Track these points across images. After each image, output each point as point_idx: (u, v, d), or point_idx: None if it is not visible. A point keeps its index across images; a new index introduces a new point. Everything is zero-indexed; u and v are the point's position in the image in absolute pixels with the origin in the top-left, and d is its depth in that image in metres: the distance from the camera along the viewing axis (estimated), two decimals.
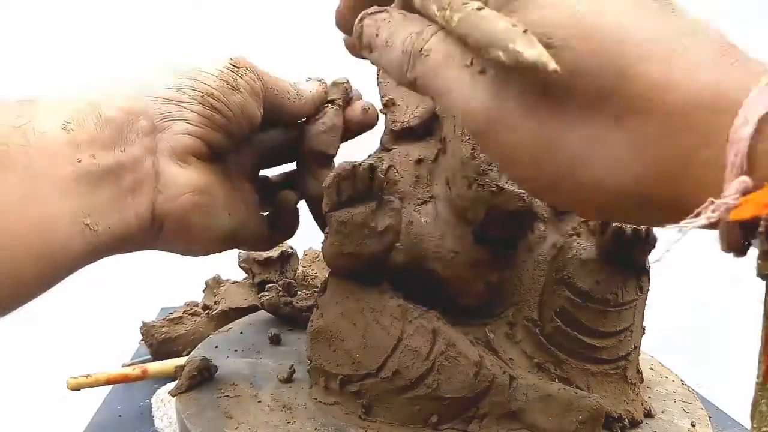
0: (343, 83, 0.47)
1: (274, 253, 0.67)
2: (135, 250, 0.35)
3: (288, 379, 0.43)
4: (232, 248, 0.41)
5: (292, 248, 0.69)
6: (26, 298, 0.29)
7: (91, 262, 0.32)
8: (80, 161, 0.29)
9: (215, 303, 0.68)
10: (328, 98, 0.45)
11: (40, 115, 0.30)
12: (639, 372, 0.43)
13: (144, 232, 0.33)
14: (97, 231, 0.30)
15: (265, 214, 0.45)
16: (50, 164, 0.29)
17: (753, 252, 0.20)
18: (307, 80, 0.45)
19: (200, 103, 0.35)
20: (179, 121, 0.34)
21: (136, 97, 0.33)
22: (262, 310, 0.57)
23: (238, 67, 0.37)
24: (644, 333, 0.43)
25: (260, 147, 0.43)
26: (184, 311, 0.68)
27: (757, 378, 0.21)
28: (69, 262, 0.30)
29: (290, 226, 0.46)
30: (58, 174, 0.29)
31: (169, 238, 0.36)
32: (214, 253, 0.40)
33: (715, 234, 0.20)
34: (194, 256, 0.39)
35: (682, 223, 0.19)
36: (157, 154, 0.34)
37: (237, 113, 0.37)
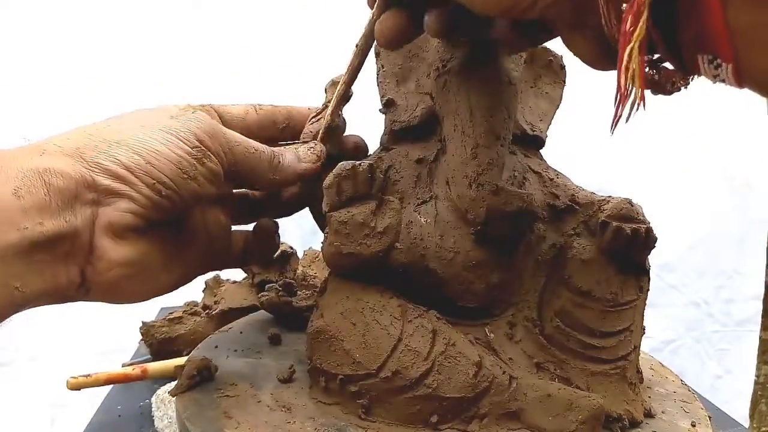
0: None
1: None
2: (63, 302, 0.36)
3: (288, 379, 0.43)
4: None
5: (292, 248, 0.69)
6: None
7: (15, 313, 0.33)
8: (26, 228, 0.30)
9: (215, 303, 0.68)
10: (327, 98, 0.45)
11: None
12: (639, 372, 0.43)
13: (72, 293, 0.35)
14: (25, 293, 0.31)
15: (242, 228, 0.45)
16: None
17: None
18: (308, 147, 0.43)
19: (150, 189, 0.34)
20: (125, 199, 0.34)
21: (88, 169, 0.33)
22: (262, 310, 0.57)
23: (201, 153, 0.36)
24: (644, 333, 0.43)
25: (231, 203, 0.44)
26: (184, 311, 0.68)
27: (757, 378, 0.21)
28: None
29: (266, 253, 0.46)
30: (2, 240, 0.30)
31: (97, 299, 0.37)
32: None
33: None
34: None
35: None
36: (95, 226, 0.34)
37: (187, 199, 0.36)
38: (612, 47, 0.23)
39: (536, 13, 0.26)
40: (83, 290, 0.35)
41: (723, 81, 0.21)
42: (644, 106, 0.23)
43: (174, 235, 0.39)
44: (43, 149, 0.33)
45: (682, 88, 0.25)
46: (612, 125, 0.25)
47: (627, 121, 0.24)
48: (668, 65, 0.24)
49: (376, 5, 0.37)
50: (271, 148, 0.41)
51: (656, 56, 0.24)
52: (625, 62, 0.22)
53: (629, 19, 0.21)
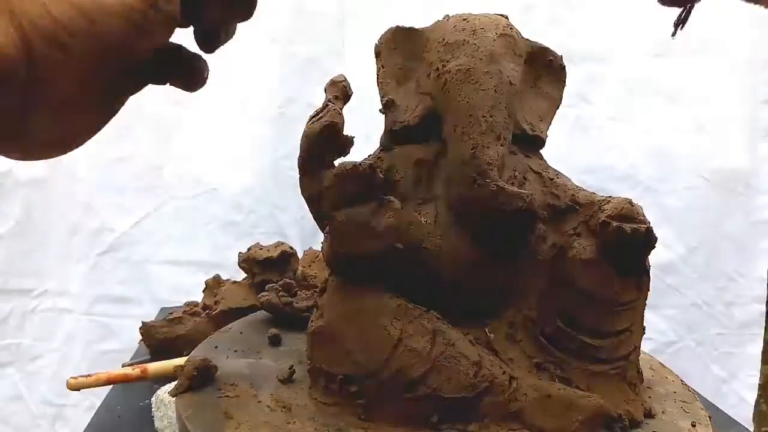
0: (341, 81, 0.47)
1: (274, 253, 0.67)
2: None
3: (288, 379, 0.43)
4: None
5: (291, 248, 0.69)
6: None
7: None
8: None
9: (215, 303, 0.68)
10: (327, 97, 0.45)
11: None
12: (639, 372, 0.43)
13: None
14: None
15: None
16: None
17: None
18: None
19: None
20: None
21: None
22: (262, 310, 0.57)
23: None
24: (644, 333, 0.43)
25: None
26: (184, 311, 0.68)
27: (760, 380, 0.21)
28: None
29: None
30: None
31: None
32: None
33: None
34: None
35: None
36: None
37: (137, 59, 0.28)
38: None
39: None
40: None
41: None
42: None
43: None
44: None
45: None
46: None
47: None
48: None
49: None
50: None
51: None
52: None
53: None
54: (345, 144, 0.46)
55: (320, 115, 0.46)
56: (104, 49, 0.27)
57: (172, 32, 0.30)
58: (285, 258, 0.66)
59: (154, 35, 0.28)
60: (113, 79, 0.29)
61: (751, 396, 0.24)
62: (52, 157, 0.30)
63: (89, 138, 0.30)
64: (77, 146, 0.30)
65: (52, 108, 0.27)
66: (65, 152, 0.30)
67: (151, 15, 0.28)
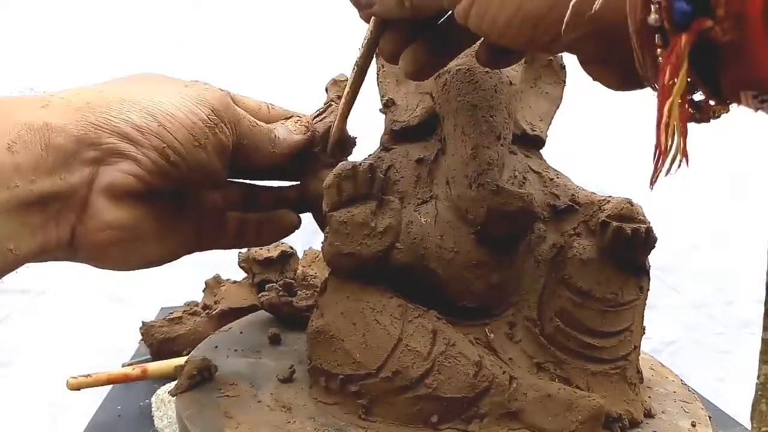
0: (343, 81, 0.47)
1: (274, 252, 0.67)
2: (48, 261, 0.35)
3: (288, 379, 0.43)
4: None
5: (292, 248, 0.69)
6: None
7: (7, 274, 0.32)
8: (17, 186, 0.29)
9: (215, 303, 0.68)
10: (328, 98, 0.45)
11: None
12: (639, 372, 0.43)
13: (59, 252, 0.33)
14: (18, 255, 0.30)
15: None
16: None
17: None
18: (294, 120, 0.43)
19: (158, 153, 0.33)
20: (129, 161, 0.33)
21: (94, 126, 0.32)
22: (262, 310, 0.57)
23: (214, 122, 0.35)
24: (644, 333, 0.43)
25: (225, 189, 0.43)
26: (184, 311, 0.68)
27: (758, 378, 0.21)
28: None
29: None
30: None
31: (83, 260, 0.36)
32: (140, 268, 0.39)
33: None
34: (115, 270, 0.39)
35: None
36: (93, 185, 0.33)
37: (195, 170, 0.35)
38: (637, 75, 0.21)
39: (555, 49, 0.25)
40: (71, 250, 0.34)
41: None
42: (687, 162, 0.21)
43: (171, 208, 0.38)
44: (47, 102, 0.31)
45: (723, 114, 0.23)
46: (651, 181, 0.23)
47: (666, 175, 0.22)
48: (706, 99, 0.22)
49: (371, 23, 0.36)
50: (264, 123, 0.40)
51: (693, 97, 0.21)
52: (664, 119, 0.20)
53: (667, 70, 0.19)
54: (348, 144, 0.46)
55: (323, 116, 0.46)
56: (169, 148, 0.34)
57: (222, 162, 0.37)
58: (285, 258, 0.66)
59: (209, 154, 0.35)
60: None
61: (750, 395, 0.24)
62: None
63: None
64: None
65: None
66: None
67: (211, 136, 0.35)
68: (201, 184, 0.39)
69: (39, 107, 0.31)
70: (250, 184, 0.46)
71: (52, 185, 0.30)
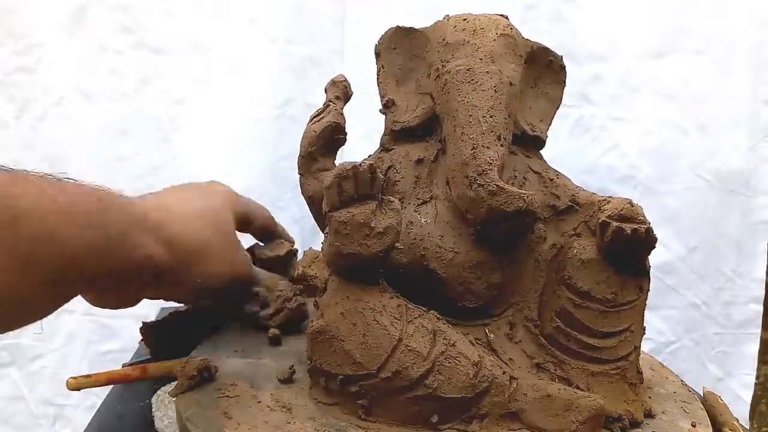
0: (342, 81, 0.47)
1: (280, 252, 0.67)
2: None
3: (288, 379, 0.43)
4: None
5: (292, 247, 0.68)
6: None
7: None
8: None
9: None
10: (328, 98, 0.45)
11: None
12: (639, 372, 0.43)
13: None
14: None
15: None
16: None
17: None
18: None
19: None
20: None
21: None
22: None
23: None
24: (644, 333, 0.43)
25: None
26: (185, 310, 0.68)
27: (757, 378, 0.21)
28: None
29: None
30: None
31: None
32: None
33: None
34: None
35: None
36: None
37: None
38: None
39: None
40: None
41: None
42: None
43: None
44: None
45: None
46: None
47: None
48: None
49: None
50: None
51: None
52: None
53: None
54: (338, 143, 0.46)
55: (321, 116, 0.46)
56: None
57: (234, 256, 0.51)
58: (288, 257, 0.66)
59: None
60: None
61: (748, 395, 0.24)
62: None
63: None
64: None
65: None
66: None
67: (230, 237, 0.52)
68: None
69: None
70: None
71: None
